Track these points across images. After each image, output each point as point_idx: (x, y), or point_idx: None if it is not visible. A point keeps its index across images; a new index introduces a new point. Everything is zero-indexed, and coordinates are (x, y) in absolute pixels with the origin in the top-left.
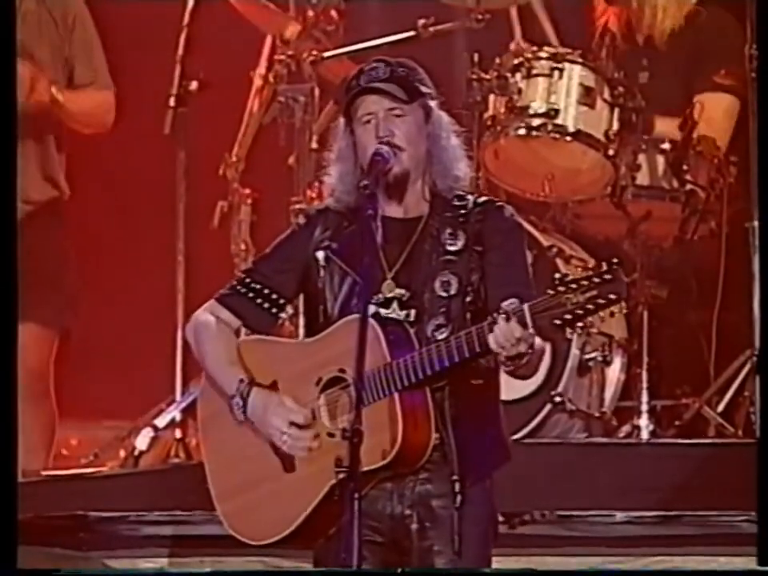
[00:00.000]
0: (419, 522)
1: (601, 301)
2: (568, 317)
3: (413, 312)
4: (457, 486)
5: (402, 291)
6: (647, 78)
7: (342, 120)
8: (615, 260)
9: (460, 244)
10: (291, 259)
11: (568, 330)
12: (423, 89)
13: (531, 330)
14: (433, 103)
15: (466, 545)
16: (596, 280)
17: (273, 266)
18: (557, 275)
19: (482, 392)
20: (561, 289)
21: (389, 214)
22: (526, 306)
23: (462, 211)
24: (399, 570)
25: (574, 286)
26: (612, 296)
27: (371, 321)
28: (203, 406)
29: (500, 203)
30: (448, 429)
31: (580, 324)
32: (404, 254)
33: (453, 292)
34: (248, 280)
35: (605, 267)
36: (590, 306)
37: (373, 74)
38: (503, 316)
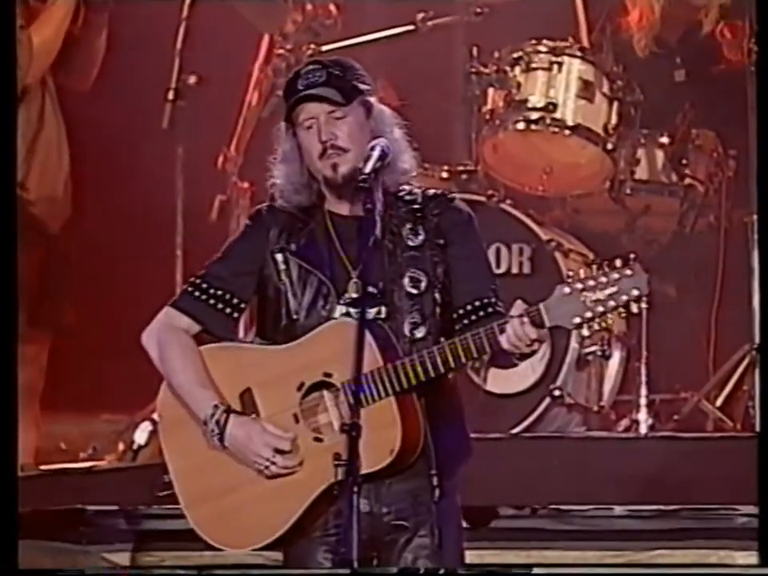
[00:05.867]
0: (397, 518)
1: (623, 297)
2: (588, 314)
3: (383, 309)
4: (435, 480)
5: (370, 289)
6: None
7: (283, 125)
8: (633, 254)
9: (420, 239)
10: (248, 261)
11: (585, 328)
12: (361, 86)
13: (546, 330)
14: (372, 99)
15: (444, 538)
16: (615, 276)
17: (230, 268)
18: (570, 272)
19: (451, 388)
20: (577, 286)
21: (342, 212)
22: (541, 306)
23: (416, 206)
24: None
25: (591, 283)
26: (635, 291)
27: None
28: (164, 412)
29: (451, 196)
30: (426, 425)
31: (599, 322)
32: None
33: (423, 288)
34: (205, 285)
35: (619, 263)
36: (612, 303)
37: (310, 77)
38: (517, 317)
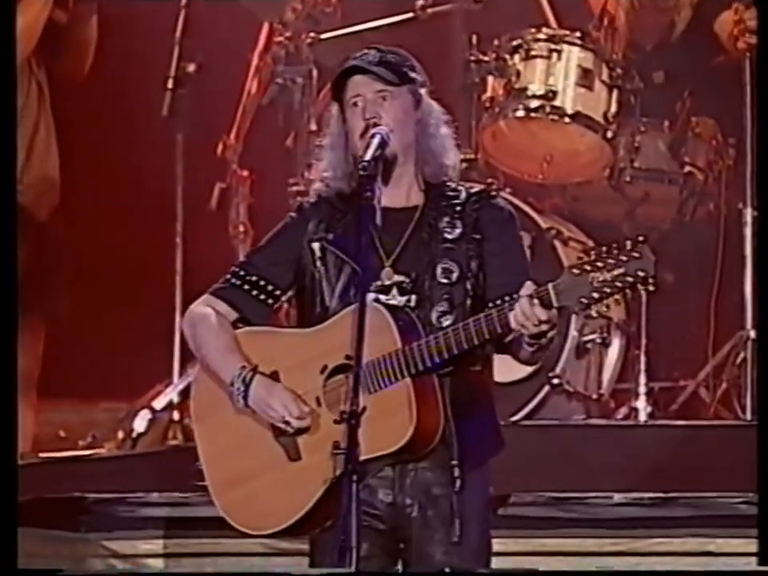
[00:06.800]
0: (420, 509)
1: (629, 278)
2: (595, 295)
3: (413, 298)
4: (456, 471)
5: (402, 278)
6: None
7: (335, 106)
8: (641, 237)
9: (458, 232)
10: (286, 251)
11: (592, 309)
12: (413, 75)
13: (555, 311)
14: (423, 91)
15: (466, 530)
16: (623, 258)
17: (268, 258)
18: (580, 254)
19: (480, 379)
20: (586, 267)
21: (383, 203)
22: (550, 286)
23: (457, 201)
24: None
25: (599, 264)
26: (640, 273)
27: (381, 307)
28: (197, 398)
29: (494, 193)
30: (448, 415)
31: (606, 302)
32: (402, 242)
33: (454, 279)
34: (243, 272)
35: (629, 245)
36: (618, 284)
37: (363, 57)
38: (526, 296)
